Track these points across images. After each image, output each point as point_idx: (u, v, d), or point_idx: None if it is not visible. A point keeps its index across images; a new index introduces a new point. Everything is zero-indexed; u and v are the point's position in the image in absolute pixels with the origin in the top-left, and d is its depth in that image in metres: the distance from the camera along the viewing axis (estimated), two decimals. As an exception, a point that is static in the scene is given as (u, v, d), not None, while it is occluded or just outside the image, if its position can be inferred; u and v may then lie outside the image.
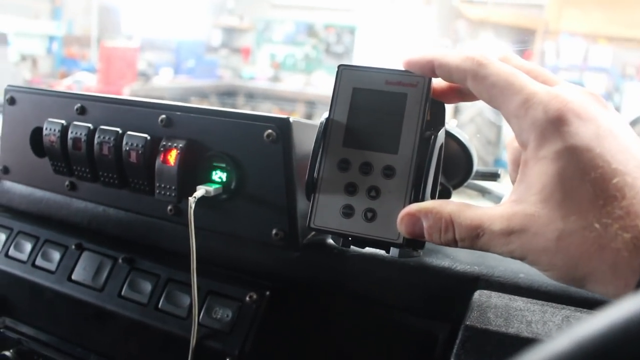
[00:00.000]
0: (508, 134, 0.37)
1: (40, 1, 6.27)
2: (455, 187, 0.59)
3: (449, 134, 0.53)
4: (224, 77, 7.66)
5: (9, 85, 0.69)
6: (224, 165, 0.54)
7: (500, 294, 0.46)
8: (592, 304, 0.44)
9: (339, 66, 0.41)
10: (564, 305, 0.44)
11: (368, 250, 0.52)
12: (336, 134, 0.40)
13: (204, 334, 0.53)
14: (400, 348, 0.53)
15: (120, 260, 0.61)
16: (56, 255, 0.65)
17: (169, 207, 0.58)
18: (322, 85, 6.74)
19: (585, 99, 0.32)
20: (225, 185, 0.54)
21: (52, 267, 0.64)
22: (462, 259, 0.50)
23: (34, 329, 0.65)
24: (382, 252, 0.51)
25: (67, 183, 0.65)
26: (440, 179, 0.41)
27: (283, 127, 0.51)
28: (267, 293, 0.54)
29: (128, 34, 7.16)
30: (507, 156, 0.40)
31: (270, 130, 0.51)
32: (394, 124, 0.39)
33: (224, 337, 0.53)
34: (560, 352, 0.17)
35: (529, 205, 0.31)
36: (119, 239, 0.64)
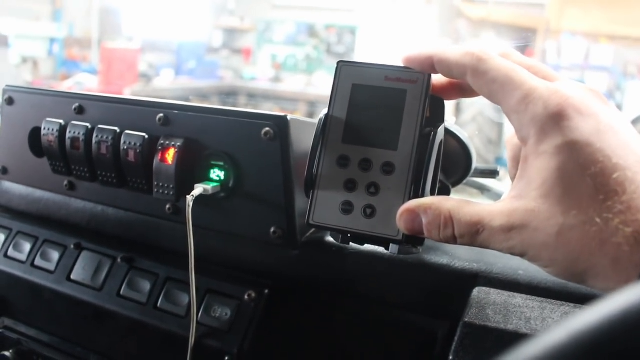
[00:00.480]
0: (509, 132, 0.37)
1: (41, 3, 6.28)
2: (454, 184, 0.58)
3: (447, 132, 0.53)
4: (225, 78, 7.66)
5: (7, 86, 0.69)
6: (222, 163, 0.54)
7: (499, 290, 0.45)
8: (591, 301, 0.43)
9: (339, 62, 0.41)
10: (563, 302, 0.43)
11: (367, 247, 0.52)
12: (335, 130, 0.40)
13: (203, 333, 0.53)
14: (400, 346, 0.52)
15: (119, 260, 0.61)
16: (55, 255, 0.65)
17: (168, 206, 0.58)
18: (324, 85, 6.74)
19: (586, 95, 0.32)
20: (223, 183, 0.54)
21: (51, 267, 0.64)
22: (461, 256, 0.50)
23: (33, 329, 0.65)
24: (380, 249, 0.51)
25: (65, 183, 0.65)
26: (440, 176, 0.41)
27: (281, 125, 0.51)
28: (266, 291, 0.54)
29: (129, 35, 7.17)
30: (506, 153, 0.40)
31: (268, 129, 0.51)
32: (393, 120, 0.39)
33: (223, 335, 0.53)
34: (558, 344, 0.17)
35: (529, 200, 0.31)
36: (118, 238, 0.64)
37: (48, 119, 0.63)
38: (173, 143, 0.55)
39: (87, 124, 0.60)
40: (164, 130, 0.57)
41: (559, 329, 0.18)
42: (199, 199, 0.51)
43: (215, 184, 0.54)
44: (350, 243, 0.42)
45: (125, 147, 0.57)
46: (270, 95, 6.83)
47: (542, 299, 0.44)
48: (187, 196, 0.51)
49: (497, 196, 0.74)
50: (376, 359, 0.53)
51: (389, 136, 0.39)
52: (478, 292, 0.45)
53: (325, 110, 0.41)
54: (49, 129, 0.62)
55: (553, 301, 0.43)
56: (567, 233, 0.29)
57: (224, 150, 0.54)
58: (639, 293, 0.17)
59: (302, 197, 0.52)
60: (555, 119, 0.31)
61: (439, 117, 0.41)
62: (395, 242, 0.39)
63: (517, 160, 0.37)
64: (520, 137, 0.33)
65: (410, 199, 0.38)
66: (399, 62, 0.40)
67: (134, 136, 0.57)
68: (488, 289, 0.46)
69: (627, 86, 6.25)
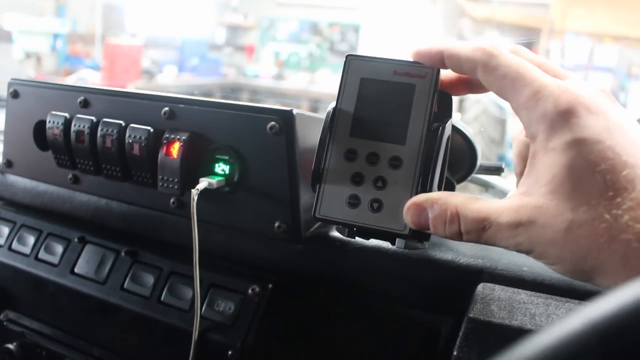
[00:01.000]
0: (513, 131, 0.36)
1: (44, -1, 6.28)
2: (459, 181, 0.58)
3: (453, 128, 0.53)
4: (228, 75, 7.65)
5: (12, 79, 0.69)
6: (226, 157, 0.54)
7: (503, 287, 0.45)
8: (596, 297, 0.43)
9: (347, 56, 0.41)
10: (568, 299, 0.43)
11: (371, 242, 0.52)
12: (343, 124, 0.40)
13: (207, 327, 0.53)
14: (403, 341, 0.52)
15: (122, 253, 0.61)
16: (59, 249, 0.65)
17: (172, 200, 0.58)
18: (326, 83, 6.73)
19: (595, 94, 0.32)
20: (228, 177, 0.54)
21: (55, 260, 0.64)
22: (465, 252, 0.50)
23: (37, 322, 0.65)
24: (385, 244, 0.51)
25: (70, 176, 0.65)
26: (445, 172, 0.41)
27: (286, 119, 0.51)
28: (270, 286, 0.54)
29: (132, 31, 7.17)
30: (512, 150, 0.39)
31: (273, 123, 0.51)
32: (401, 114, 0.39)
33: (226, 329, 0.53)
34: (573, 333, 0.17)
35: (537, 197, 0.31)
36: (122, 232, 0.64)
37: (53, 112, 0.63)
38: (178, 137, 0.55)
39: (92, 117, 0.60)
40: (169, 124, 0.57)
41: (574, 318, 0.17)
42: (203, 193, 0.51)
43: (220, 178, 0.54)
44: (356, 237, 0.42)
45: (130, 141, 0.57)
46: (273, 93, 6.83)
47: (547, 295, 0.44)
48: (192, 190, 0.51)
49: (501, 193, 0.74)
50: (379, 354, 0.53)
51: (397, 130, 0.39)
52: (482, 288, 0.45)
53: (333, 104, 0.41)
54: (54, 122, 0.62)
55: (558, 297, 0.43)
56: (575, 230, 0.29)
57: (229, 145, 0.54)
58: None
59: (307, 192, 0.52)
60: (565, 116, 0.31)
61: (447, 112, 0.41)
62: (401, 236, 0.39)
63: (523, 157, 0.37)
64: (529, 133, 0.33)
65: (417, 193, 0.38)
66: (407, 56, 0.40)
67: (139, 130, 0.57)
68: (493, 285, 0.46)
69: (630, 87, 6.24)
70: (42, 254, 0.65)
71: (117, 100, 0.60)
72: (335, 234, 0.53)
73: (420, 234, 0.39)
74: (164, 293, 0.57)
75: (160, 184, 0.56)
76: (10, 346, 0.64)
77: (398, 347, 0.52)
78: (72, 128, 0.60)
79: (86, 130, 0.60)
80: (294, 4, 8.46)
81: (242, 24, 8.93)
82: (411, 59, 0.39)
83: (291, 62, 8.03)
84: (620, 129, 0.31)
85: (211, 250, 0.56)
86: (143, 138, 0.56)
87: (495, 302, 0.43)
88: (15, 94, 0.68)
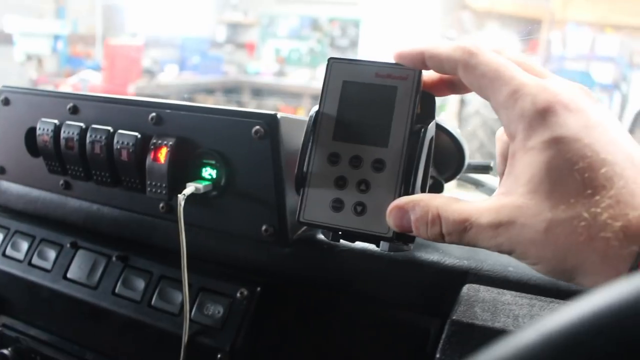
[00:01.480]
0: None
1: (44, 0, 6.29)
2: (448, 180, 0.58)
3: (440, 128, 0.53)
4: (229, 73, 7.65)
5: (3, 86, 0.69)
6: (213, 162, 0.54)
7: (489, 287, 0.45)
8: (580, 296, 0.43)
9: (329, 59, 0.41)
10: (552, 299, 0.43)
11: (358, 245, 0.52)
12: (326, 127, 0.40)
13: (196, 330, 0.54)
14: (392, 343, 0.52)
15: (114, 258, 0.61)
16: (52, 254, 0.65)
17: (161, 205, 0.58)
18: (327, 79, 6.70)
19: (575, 92, 0.32)
20: (215, 182, 0.54)
21: (47, 265, 0.65)
22: (451, 253, 0.50)
23: (31, 327, 0.66)
24: (372, 246, 0.51)
25: (61, 182, 0.66)
26: (433, 172, 0.41)
27: (271, 123, 0.51)
28: (258, 289, 0.54)
29: (132, 31, 7.18)
30: (496, 149, 0.39)
31: (258, 127, 0.51)
32: (384, 117, 0.39)
33: (216, 333, 0.53)
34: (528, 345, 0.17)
35: (517, 196, 0.31)
36: (113, 237, 0.64)
37: (43, 119, 0.63)
38: (165, 142, 0.55)
39: (81, 124, 0.60)
40: (157, 130, 0.57)
41: (562, 313, 0.18)
42: (191, 198, 0.51)
43: (207, 183, 0.54)
44: (341, 240, 0.42)
45: (119, 147, 0.57)
46: (275, 90, 6.82)
47: (532, 296, 0.44)
48: (179, 195, 0.51)
49: (491, 191, 0.73)
50: (369, 356, 0.54)
51: (380, 133, 0.39)
52: (467, 289, 0.45)
53: (315, 107, 0.41)
54: (44, 129, 0.62)
55: (542, 298, 0.43)
56: (555, 229, 0.29)
57: (215, 149, 0.54)
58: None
59: (293, 195, 0.52)
60: (543, 115, 0.31)
61: (430, 113, 0.41)
62: (385, 239, 0.39)
63: (505, 156, 0.37)
64: (508, 133, 0.33)
65: (400, 196, 0.38)
66: (389, 58, 0.40)
67: (126, 135, 0.57)
68: (478, 286, 0.46)
69: (633, 76, 6.19)
70: (36, 260, 0.66)
71: (105, 107, 0.61)
72: (323, 236, 0.53)
73: (404, 237, 0.39)
74: (154, 297, 0.57)
75: (148, 189, 0.56)
76: (6, 352, 0.64)
77: (387, 348, 0.53)
78: (62, 135, 0.61)
79: (75, 137, 0.60)
80: (293, 0, 8.45)
81: (242, 22, 8.92)
82: (393, 61, 0.39)
83: (292, 59, 8.02)
84: (599, 127, 0.30)
85: (200, 254, 0.56)
86: (131, 144, 0.56)
87: (479, 303, 0.43)
88: (6, 101, 0.68)
